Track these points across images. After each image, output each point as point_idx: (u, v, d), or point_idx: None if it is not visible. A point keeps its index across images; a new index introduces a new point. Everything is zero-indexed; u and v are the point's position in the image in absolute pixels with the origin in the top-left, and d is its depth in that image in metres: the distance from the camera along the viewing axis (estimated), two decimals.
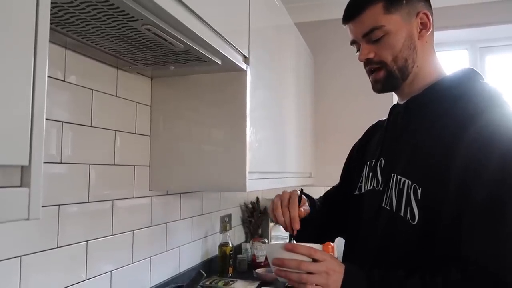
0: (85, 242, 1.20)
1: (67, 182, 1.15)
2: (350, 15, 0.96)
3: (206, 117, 1.46)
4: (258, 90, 1.55)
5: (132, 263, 1.41)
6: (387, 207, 0.91)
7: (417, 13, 0.93)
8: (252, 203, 2.51)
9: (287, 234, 2.61)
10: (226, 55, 1.24)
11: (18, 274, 0.99)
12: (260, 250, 2.22)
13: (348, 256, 1.04)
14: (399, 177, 0.90)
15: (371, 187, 1.00)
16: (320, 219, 1.09)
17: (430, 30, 0.94)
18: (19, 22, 0.52)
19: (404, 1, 0.92)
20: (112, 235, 1.31)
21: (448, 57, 2.76)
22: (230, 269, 1.97)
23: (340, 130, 2.70)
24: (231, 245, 1.97)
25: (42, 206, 1.06)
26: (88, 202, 1.22)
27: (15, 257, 0.98)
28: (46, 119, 1.07)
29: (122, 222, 1.36)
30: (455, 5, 2.56)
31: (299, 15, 2.69)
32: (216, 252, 2.02)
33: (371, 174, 1.01)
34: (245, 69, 1.41)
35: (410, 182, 0.86)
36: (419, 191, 0.84)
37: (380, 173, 0.97)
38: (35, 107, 0.54)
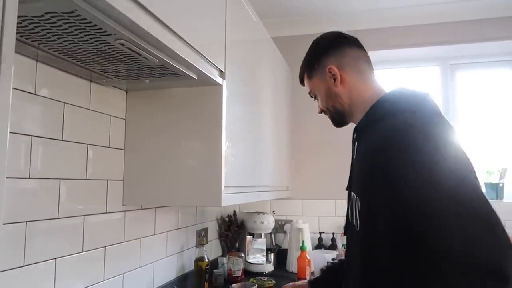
0: (54, 260, 1.17)
1: (36, 197, 1.11)
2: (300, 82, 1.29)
3: (181, 131, 1.45)
4: (235, 104, 1.56)
5: (104, 280, 1.38)
6: (350, 220, 1.08)
7: (326, 70, 1.13)
8: (229, 216, 2.49)
9: (264, 247, 2.60)
10: (202, 70, 1.24)
11: None
12: (236, 265, 2.20)
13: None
14: (352, 193, 1.06)
15: (348, 206, 1.17)
16: None
17: (339, 79, 1.11)
18: None
19: (316, 65, 1.16)
20: (82, 251, 1.28)
21: (420, 73, 2.84)
22: (206, 284, 1.93)
23: (317, 143, 2.73)
24: (207, 260, 1.94)
25: (8, 223, 1.03)
26: (58, 218, 1.18)
27: None
28: (15, 133, 1.04)
29: (93, 238, 1.33)
30: (427, 24, 2.65)
31: (276, 30, 2.72)
32: (191, 267, 1.99)
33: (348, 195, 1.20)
34: (221, 83, 1.41)
35: (356, 197, 1.02)
36: (359, 203, 0.99)
37: (348, 193, 1.15)
38: None
